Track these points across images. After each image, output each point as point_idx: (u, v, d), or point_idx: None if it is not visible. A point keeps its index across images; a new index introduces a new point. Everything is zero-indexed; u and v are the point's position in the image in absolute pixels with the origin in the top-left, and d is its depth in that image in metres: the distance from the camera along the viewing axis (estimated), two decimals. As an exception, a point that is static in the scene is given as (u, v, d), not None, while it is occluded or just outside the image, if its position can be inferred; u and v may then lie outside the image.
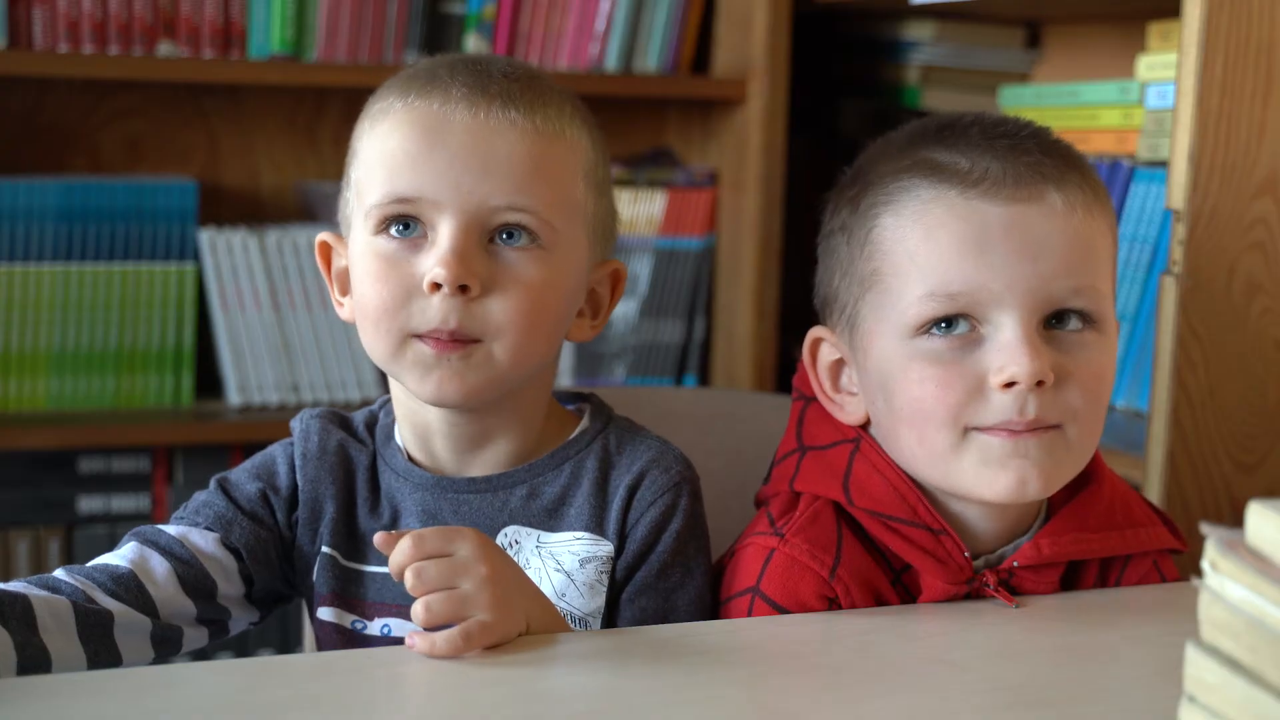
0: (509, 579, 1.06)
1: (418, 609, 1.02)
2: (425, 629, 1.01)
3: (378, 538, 1.04)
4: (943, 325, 1.13)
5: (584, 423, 1.25)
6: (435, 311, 1.13)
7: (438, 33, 2.34)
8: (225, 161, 2.42)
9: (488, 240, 1.15)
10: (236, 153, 2.42)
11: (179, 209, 2.24)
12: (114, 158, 2.36)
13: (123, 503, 2.26)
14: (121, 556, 1.15)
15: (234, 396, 2.27)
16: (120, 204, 2.21)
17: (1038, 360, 1.10)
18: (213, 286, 2.27)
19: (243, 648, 2.25)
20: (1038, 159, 1.15)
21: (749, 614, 1.16)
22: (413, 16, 2.32)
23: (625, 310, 2.47)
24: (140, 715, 0.92)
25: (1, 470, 2.20)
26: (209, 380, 2.31)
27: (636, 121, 2.61)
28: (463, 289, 1.13)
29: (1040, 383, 1.11)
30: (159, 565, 1.15)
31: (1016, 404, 1.11)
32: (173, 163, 2.39)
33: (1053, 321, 1.14)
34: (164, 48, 2.22)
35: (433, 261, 1.13)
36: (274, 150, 2.44)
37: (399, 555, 1.03)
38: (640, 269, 2.47)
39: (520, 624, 1.05)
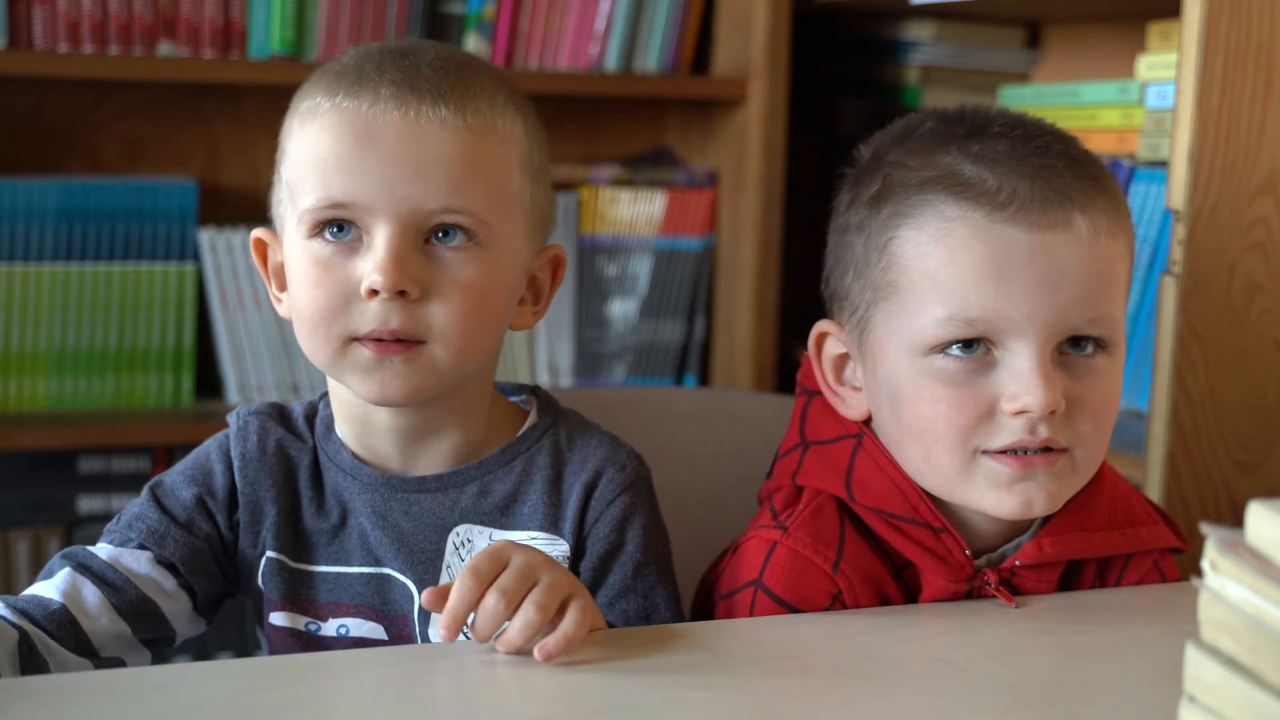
0: (556, 562, 1.06)
1: (528, 615, 0.99)
2: (536, 631, 0.99)
3: (428, 598, 1.01)
4: (959, 347, 1.13)
5: (532, 418, 1.24)
6: (374, 314, 1.12)
7: (438, 33, 2.33)
8: (225, 161, 2.42)
9: (424, 241, 1.14)
10: (236, 153, 2.42)
11: (179, 209, 2.24)
12: (114, 158, 2.36)
13: (123, 503, 2.24)
14: (53, 587, 1.12)
15: (234, 396, 2.27)
16: (120, 204, 2.21)
17: (1051, 391, 1.10)
18: (213, 286, 2.27)
19: (243, 648, 2.25)
20: (1067, 182, 1.13)
21: (752, 607, 1.16)
22: (413, 16, 2.31)
23: (625, 310, 2.47)
24: (140, 715, 0.92)
25: (1, 470, 2.20)
26: (209, 380, 2.31)
27: (636, 121, 2.61)
28: (401, 294, 1.11)
29: (1053, 412, 1.11)
30: (91, 596, 1.12)
31: (1027, 428, 1.11)
32: (173, 163, 2.39)
33: (1066, 346, 1.14)
34: (164, 48, 2.22)
35: (370, 267, 1.11)
36: (274, 150, 2.43)
37: (464, 595, 0.99)
38: (640, 269, 2.47)
39: (586, 590, 1.06)
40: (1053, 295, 1.11)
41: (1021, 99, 2.19)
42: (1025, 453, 1.13)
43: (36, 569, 2.19)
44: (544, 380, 2.43)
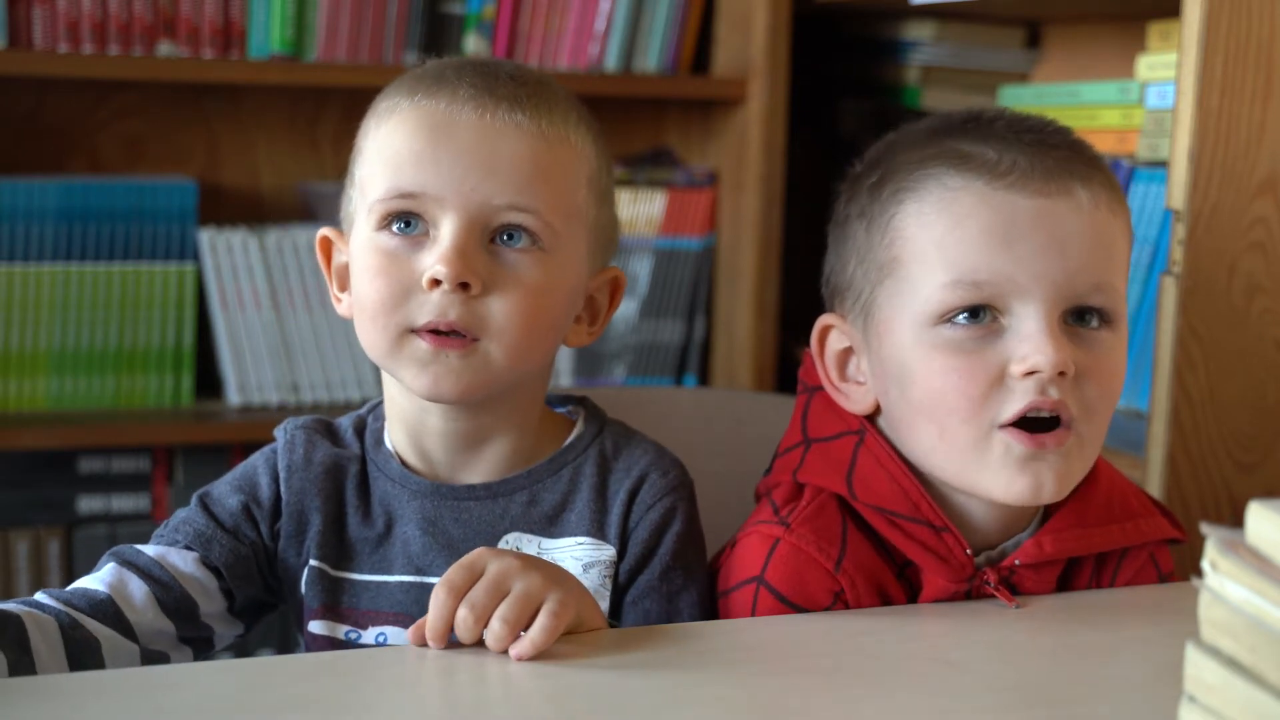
0: (541, 561, 1.07)
1: (494, 629, 1.01)
2: (506, 644, 1.01)
3: (412, 635, 1.03)
4: (965, 315, 1.13)
5: (579, 427, 1.25)
6: (434, 305, 1.13)
7: (438, 33, 2.34)
8: (225, 161, 2.42)
9: (489, 240, 1.15)
10: (236, 153, 2.42)
11: (179, 209, 2.24)
12: (114, 158, 2.36)
13: (123, 503, 2.26)
14: (100, 580, 1.14)
15: (234, 396, 2.27)
16: (120, 204, 2.21)
17: (1061, 351, 1.11)
18: (213, 286, 2.27)
19: (243, 647, 2.25)
20: (1066, 155, 1.15)
21: (754, 603, 1.16)
22: (413, 16, 2.32)
23: (625, 310, 2.47)
24: (140, 715, 0.92)
25: (1, 470, 2.20)
26: (209, 380, 2.31)
27: (636, 121, 2.61)
28: (463, 286, 1.13)
29: (1062, 374, 1.11)
30: (137, 589, 1.14)
31: (1038, 389, 1.11)
32: (173, 163, 2.39)
33: (1072, 318, 1.14)
34: (164, 48, 2.22)
35: (434, 259, 1.13)
36: (274, 150, 2.44)
37: (439, 610, 1.01)
38: (640, 269, 2.47)
39: (583, 588, 1.07)
40: (1058, 259, 1.12)
41: (1021, 99, 2.19)
42: (1038, 429, 1.12)
43: (36, 569, 2.20)
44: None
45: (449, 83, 1.18)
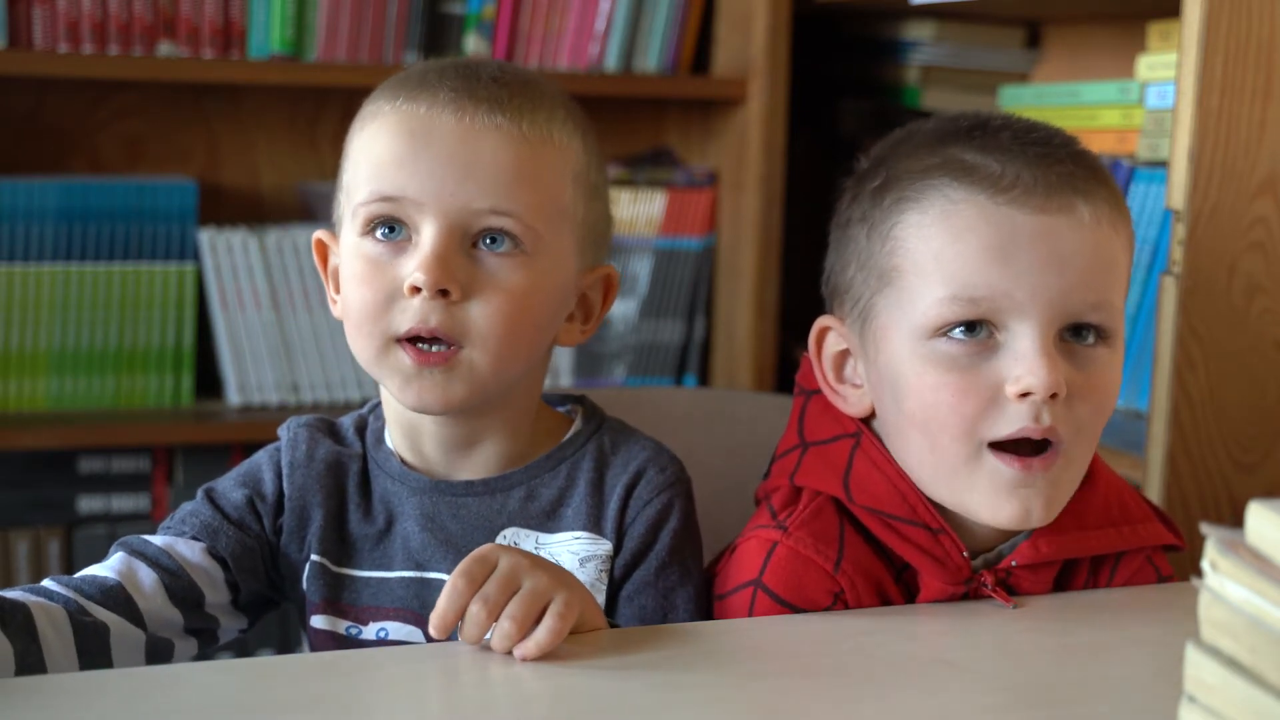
0: (545, 561, 1.07)
1: (504, 627, 1.01)
2: (514, 641, 1.01)
3: (436, 627, 1.03)
4: (962, 329, 1.13)
5: (577, 424, 1.25)
6: (415, 312, 1.13)
7: (438, 33, 2.34)
8: (225, 161, 2.42)
9: (470, 245, 1.15)
10: (236, 153, 2.42)
11: (179, 209, 2.24)
12: (114, 158, 2.36)
13: (123, 503, 2.26)
14: (109, 568, 1.15)
15: (234, 396, 2.27)
16: (120, 204, 2.21)
17: (1054, 373, 1.10)
18: (213, 286, 2.27)
19: (243, 647, 2.25)
20: (1070, 170, 1.14)
21: (750, 607, 1.16)
22: (413, 16, 2.32)
23: (625, 310, 2.47)
24: (140, 715, 0.92)
25: (1, 470, 2.20)
26: (209, 380, 2.31)
27: (636, 121, 2.61)
28: (443, 293, 1.13)
29: (1054, 395, 1.11)
30: (146, 576, 1.15)
31: (1032, 413, 1.11)
32: (173, 163, 2.39)
33: (1068, 334, 1.14)
34: (164, 48, 2.22)
35: (414, 265, 1.13)
36: (274, 150, 2.44)
37: (454, 600, 1.01)
38: (640, 269, 2.47)
39: (584, 589, 1.07)
40: (1056, 277, 1.12)
41: (1021, 99, 2.20)
42: (1026, 451, 1.12)
43: (36, 569, 2.20)
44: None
45: (430, 86, 1.17)
